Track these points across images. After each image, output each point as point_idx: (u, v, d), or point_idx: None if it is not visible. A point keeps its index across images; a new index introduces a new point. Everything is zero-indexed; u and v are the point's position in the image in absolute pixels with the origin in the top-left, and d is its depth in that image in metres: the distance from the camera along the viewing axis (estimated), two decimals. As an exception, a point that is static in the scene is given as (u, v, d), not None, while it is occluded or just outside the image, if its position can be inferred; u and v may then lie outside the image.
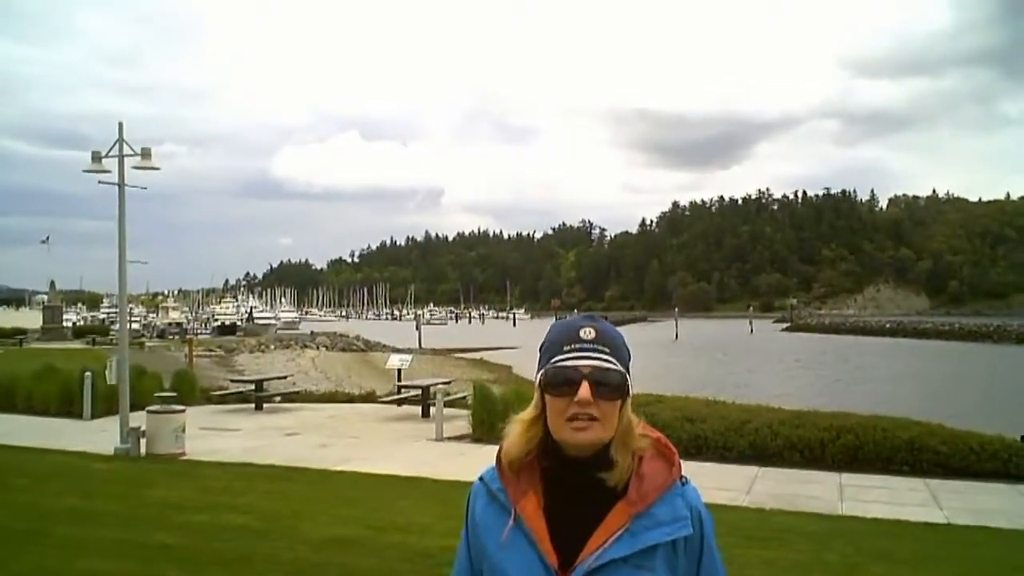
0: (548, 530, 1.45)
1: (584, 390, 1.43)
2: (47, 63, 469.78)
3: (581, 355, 1.46)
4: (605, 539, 1.42)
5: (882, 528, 8.16)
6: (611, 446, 1.47)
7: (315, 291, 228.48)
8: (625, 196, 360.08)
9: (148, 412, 12.55)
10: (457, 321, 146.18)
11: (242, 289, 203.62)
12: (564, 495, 1.48)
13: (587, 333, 1.49)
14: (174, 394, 14.49)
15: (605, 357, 1.47)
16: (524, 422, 1.53)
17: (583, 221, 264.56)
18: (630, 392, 1.50)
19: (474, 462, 10.88)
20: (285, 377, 23.86)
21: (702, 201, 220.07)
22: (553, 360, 1.48)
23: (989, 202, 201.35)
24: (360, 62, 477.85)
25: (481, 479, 1.58)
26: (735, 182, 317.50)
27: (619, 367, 1.48)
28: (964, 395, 30.01)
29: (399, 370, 19.78)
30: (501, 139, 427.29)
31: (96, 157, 12.63)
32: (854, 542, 7.52)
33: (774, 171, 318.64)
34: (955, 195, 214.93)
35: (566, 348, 1.48)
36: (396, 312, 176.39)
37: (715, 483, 9.33)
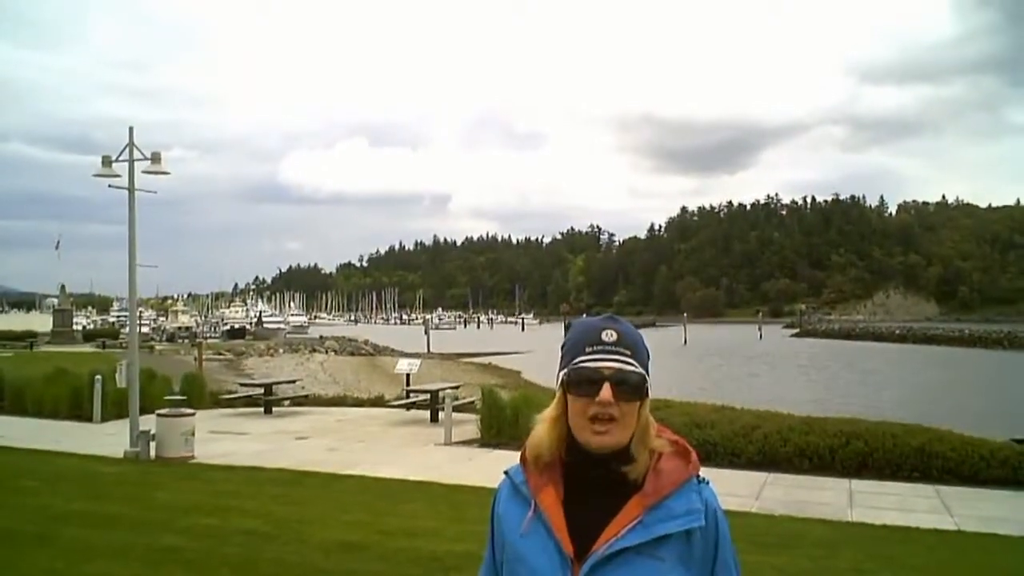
0: (566, 521, 1.49)
1: (606, 391, 1.48)
2: (58, 69, 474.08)
3: (603, 357, 1.50)
4: (618, 530, 1.46)
5: (892, 535, 8.11)
6: (630, 444, 1.51)
7: (324, 295, 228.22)
8: (633, 201, 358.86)
9: (157, 415, 12.60)
10: (466, 326, 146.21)
11: (251, 293, 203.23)
12: (583, 489, 1.52)
13: (609, 335, 1.53)
14: (183, 398, 14.56)
15: (626, 359, 1.51)
16: (548, 420, 1.57)
17: (591, 226, 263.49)
18: (649, 393, 1.55)
19: (483, 467, 10.90)
20: (294, 381, 23.90)
21: (710, 206, 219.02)
22: (575, 361, 1.52)
23: (999, 208, 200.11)
24: (368, 68, 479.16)
25: (506, 473, 1.63)
26: (742, 188, 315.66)
27: (639, 369, 1.52)
28: (974, 401, 29.82)
29: (408, 374, 19.80)
30: (508, 145, 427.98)
31: (106, 161, 12.71)
32: (864, 549, 7.49)
33: (782, 177, 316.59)
34: (965, 201, 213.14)
35: (588, 349, 1.52)
36: (405, 316, 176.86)
37: (724, 489, 9.23)
